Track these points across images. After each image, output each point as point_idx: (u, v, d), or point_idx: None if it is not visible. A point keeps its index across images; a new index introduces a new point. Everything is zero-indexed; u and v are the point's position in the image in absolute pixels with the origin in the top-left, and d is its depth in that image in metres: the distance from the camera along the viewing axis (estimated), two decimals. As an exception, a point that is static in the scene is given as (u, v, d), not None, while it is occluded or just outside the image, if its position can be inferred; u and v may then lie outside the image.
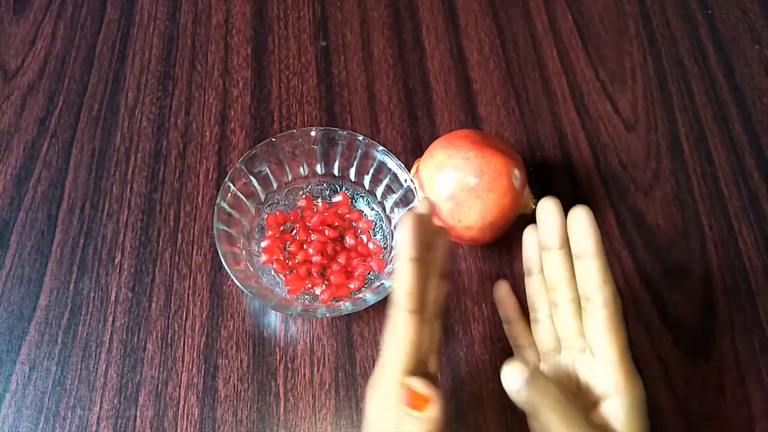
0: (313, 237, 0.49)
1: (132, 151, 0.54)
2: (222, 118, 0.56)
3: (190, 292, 0.48)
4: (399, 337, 0.32)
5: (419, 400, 0.30)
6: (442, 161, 0.46)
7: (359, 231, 0.50)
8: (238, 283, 0.43)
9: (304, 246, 0.49)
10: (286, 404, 0.45)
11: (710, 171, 0.55)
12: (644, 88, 0.60)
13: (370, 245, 0.49)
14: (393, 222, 0.49)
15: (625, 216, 0.53)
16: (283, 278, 0.47)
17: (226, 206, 0.46)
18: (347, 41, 0.61)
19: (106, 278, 0.49)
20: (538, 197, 0.50)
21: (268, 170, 0.49)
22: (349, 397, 0.45)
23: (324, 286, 0.47)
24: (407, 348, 0.32)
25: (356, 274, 0.48)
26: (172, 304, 0.48)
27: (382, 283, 0.44)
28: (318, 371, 0.46)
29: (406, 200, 0.47)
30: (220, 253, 0.43)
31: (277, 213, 0.49)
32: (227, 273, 0.45)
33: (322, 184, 0.52)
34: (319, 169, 0.51)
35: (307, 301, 0.47)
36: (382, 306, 0.48)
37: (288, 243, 0.49)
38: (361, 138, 0.48)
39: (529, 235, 0.41)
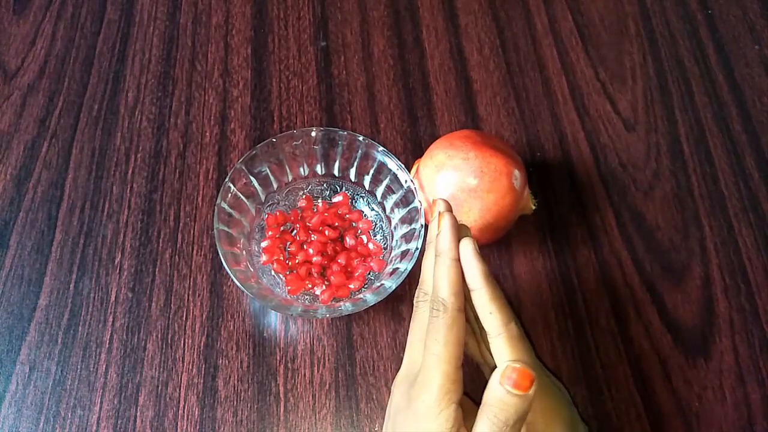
0: (314, 237, 0.49)
1: (132, 151, 0.54)
2: (222, 118, 0.56)
3: (190, 292, 0.48)
4: (452, 335, 0.34)
5: (525, 380, 0.32)
6: (442, 162, 0.46)
7: (359, 231, 0.50)
8: (238, 284, 0.43)
9: (305, 246, 0.49)
10: (287, 404, 0.45)
11: (710, 171, 0.55)
12: (644, 88, 0.60)
13: (371, 245, 0.49)
14: (393, 222, 0.49)
15: (625, 216, 0.53)
16: (284, 278, 0.47)
17: (227, 206, 0.46)
18: (347, 41, 0.61)
19: (106, 278, 0.49)
20: (538, 197, 0.50)
21: (268, 170, 0.49)
22: (349, 397, 0.45)
23: (324, 287, 0.47)
24: (459, 346, 0.34)
25: (356, 274, 0.48)
26: (172, 305, 0.48)
27: (382, 284, 0.44)
28: (318, 371, 0.46)
29: (406, 201, 0.47)
30: (220, 254, 0.43)
31: (278, 213, 0.49)
32: (227, 273, 0.45)
33: (323, 185, 0.52)
34: (319, 169, 0.51)
35: (307, 302, 0.47)
36: (382, 306, 0.48)
37: (288, 243, 0.49)
38: (361, 138, 0.48)
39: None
